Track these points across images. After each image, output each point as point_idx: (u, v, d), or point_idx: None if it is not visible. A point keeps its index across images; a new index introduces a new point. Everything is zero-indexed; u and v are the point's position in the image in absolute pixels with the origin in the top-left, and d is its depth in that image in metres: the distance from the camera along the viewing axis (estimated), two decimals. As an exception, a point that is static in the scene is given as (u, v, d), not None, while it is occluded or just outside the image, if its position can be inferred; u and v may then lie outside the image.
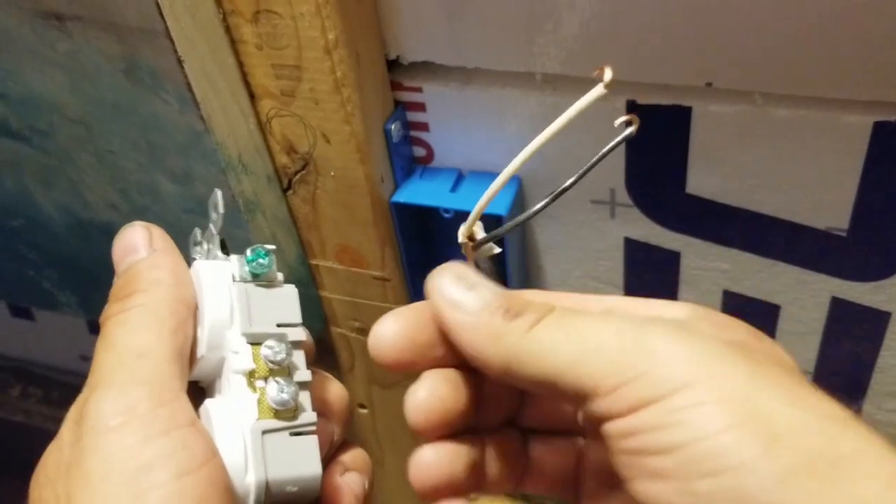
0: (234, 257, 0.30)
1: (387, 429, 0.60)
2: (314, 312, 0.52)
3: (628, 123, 0.30)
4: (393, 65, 0.44)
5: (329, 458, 0.30)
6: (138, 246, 0.30)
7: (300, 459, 0.27)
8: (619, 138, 0.30)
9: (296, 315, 0.29)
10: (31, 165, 0.51)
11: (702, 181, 0.41)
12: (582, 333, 0.23)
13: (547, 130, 0.31)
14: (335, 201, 0.45)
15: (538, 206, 0.31)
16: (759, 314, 0.46)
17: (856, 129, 0.37)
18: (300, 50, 0.39)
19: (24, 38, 0.43)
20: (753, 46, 0.36)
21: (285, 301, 0.29)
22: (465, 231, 0.33)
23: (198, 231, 0.31)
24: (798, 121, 0.37)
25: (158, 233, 0.31)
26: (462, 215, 0.45)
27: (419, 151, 0.47)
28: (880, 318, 0.43)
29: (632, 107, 0.40)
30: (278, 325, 0.29)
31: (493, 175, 0.45)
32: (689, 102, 0.39)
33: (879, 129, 0.36)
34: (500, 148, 0.45)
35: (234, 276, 0.29)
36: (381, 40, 0.42)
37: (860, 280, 0.42)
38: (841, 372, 0.47)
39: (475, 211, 0.32)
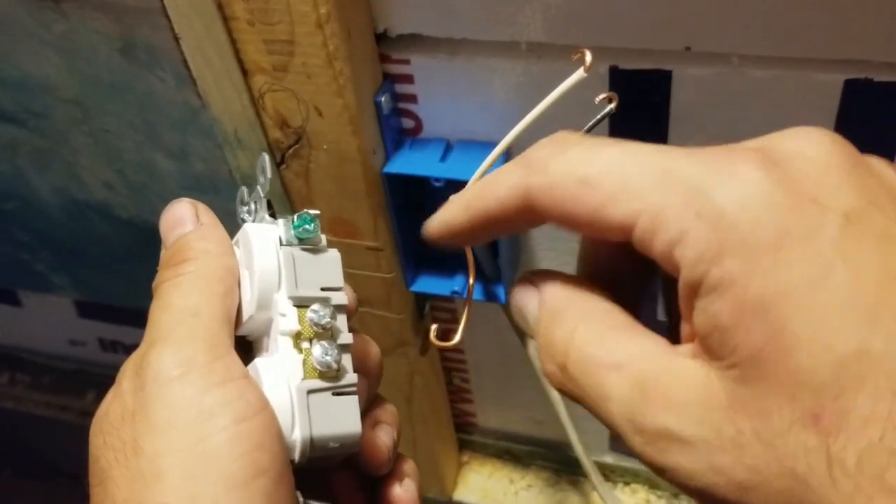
0: (280, 221, 0.31)
1: (383, 393, 0.61)
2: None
3: (609, 100, 0.31)
4: (381, 38, 0.45)
5: (364, 411, 0.32)
6: (185, 220, 0.32)
7: (342, 418, 0.29)
8: (599, 115, 0.31)
9: (339, 279, 0.31)
10: (26, 148, 0.52)
11: (683, 142, 0.43)
12: None
13: (527, 118, 0.33)
14: (328, 174, 0.46)
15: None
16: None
17: (828, 86, 0.39)
18: (292, 25, 0.40)
19: (19, 20, 0.43)
20: (729, 10, 0.38)
21: (329, 265, 0.31)
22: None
23: (245, 190, 0.33)
24: (773, 80, 0.39)
25: (203, 208, 0.33)
26: (452, 183, 0.46)
27: (408, 123, 0.48)
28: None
29: (614, 72, 0.41)
30: (322, 289, 0.30)
31: (480, 144, 0.47)
32: (670, 66, 0.40)
33: (850, 86, 0.38)
34: (488, 117, 0.46)
35: (280, 240, 0.30)
36: (369, 14, 0.43)
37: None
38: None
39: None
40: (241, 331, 0.31)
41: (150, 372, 0.27)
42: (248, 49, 0.42)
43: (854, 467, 0.18)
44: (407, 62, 0.45)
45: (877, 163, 0.23)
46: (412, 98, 0.47)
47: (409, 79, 0.46)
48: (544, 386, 0.55)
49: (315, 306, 0.29)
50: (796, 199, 0.20)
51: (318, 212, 0.31)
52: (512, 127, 0.46)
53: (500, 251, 0.48)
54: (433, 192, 0.49)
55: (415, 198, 0.50)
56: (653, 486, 0.69)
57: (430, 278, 0.53)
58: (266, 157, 0.32)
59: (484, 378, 0.66)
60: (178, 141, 0.47)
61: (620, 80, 0.42)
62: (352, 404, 0.29)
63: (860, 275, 0.19)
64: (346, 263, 0.53)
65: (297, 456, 0.28)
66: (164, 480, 0.25)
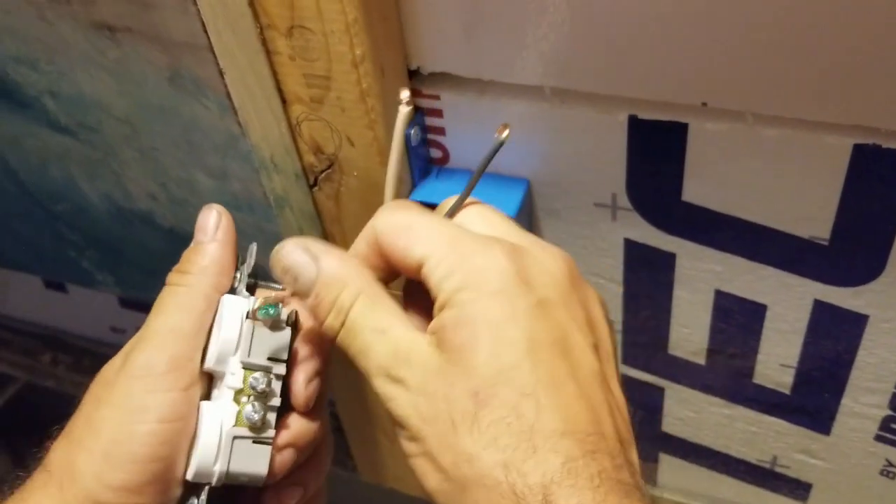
0: (252, 299, 0.37)
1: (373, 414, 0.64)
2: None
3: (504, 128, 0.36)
4: (414, 74, 0.47)
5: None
6: (207, 229, 0.38)
7: (255, 461, 0.36)
8: (493, 147, 0.37)
9: (284, 353, 0.37)
10: (78, 157, 0.55)
11: (696, 190, 0.45)
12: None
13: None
14: (357, 199, 0.49)
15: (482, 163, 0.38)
16: (747, 312, 0.49)
17: (837, 149, 0.40)
18: (330, 63, 0.43)
19: (77, 45, 0.46)
20: (746, 71, 0.39)
21: (280, 342, 0.37)
22: None
23: (254, 248, 0.39)
24: (785, 140, 0.41)
25: (225, 224, 0.38)
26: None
27: (436, 153, 0.50)
28: (859, 320, 0.46)
29: (633, 121, 0.43)
30: (269, 358, 0.37)
31: (503, 177, 0.49)
32: (686, 119, 0.42)
33: (858, 151, 0.39)
34: (511, 153, 0.48)
35: (247, 313, 0.36)
36: (403, 53, 0.46)
37: (841, 285, 0.45)
38: (822, 368, 0.50)
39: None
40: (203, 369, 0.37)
41: (128, 365, 0.35)
42: (288, 81, 0.45)
43: (485, 427, 0.29)
44: (437, 98, 0.47)
45: (592, 294, 0.35)
46: (441, 130, 0.49)
47: (438, 113, 0.48)
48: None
49: (257, 374, 0.36)
50: (518, 280, 0.32)
51: (282, 307, 0.37)
52: (532, 163, 0.48)
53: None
54: (456, 221, 0.51)
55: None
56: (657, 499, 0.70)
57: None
58: (254, 246, 0.38)
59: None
60: (219, 163, 0.50)
61: (639, 129, 0.43)
62: (265, 452, 0.36)
63: (531, 333, 0.31)
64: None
65: (214, 482, 0.35)
66: (100, 430, 0.34)
